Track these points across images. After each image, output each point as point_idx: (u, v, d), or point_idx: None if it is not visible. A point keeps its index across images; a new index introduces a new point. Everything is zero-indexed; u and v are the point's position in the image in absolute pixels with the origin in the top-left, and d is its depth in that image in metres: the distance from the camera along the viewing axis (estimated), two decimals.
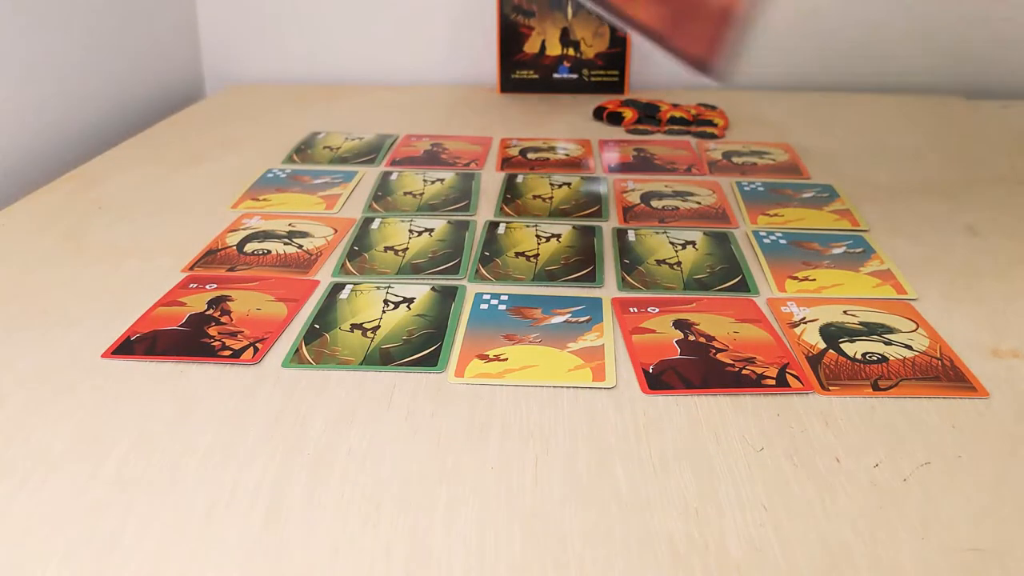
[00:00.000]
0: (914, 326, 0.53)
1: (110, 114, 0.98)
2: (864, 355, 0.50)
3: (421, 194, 0.75)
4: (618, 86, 1.11)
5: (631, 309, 0.55)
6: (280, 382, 0.48)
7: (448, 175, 0.80)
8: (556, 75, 1.11)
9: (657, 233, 0.66)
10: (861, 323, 0.53)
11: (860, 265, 0.62)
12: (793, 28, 1.13)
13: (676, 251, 0.63)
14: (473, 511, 0.38)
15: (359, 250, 0.64)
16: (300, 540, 0.36)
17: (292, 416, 0.45)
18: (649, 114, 0.98)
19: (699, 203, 0.73)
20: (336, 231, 0.67)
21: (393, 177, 0.79)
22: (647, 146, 0.89)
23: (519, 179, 0.79)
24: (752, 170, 0.82)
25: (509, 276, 0.60)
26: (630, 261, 0.62)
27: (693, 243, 0.65)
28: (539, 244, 0.65)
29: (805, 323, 0.53)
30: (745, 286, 0.58)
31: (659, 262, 0.62)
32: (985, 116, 1.01)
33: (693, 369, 0.48)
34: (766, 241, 0.65)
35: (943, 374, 0.48)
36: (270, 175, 0.80)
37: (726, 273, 0.60)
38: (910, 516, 0.38)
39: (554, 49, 1.10)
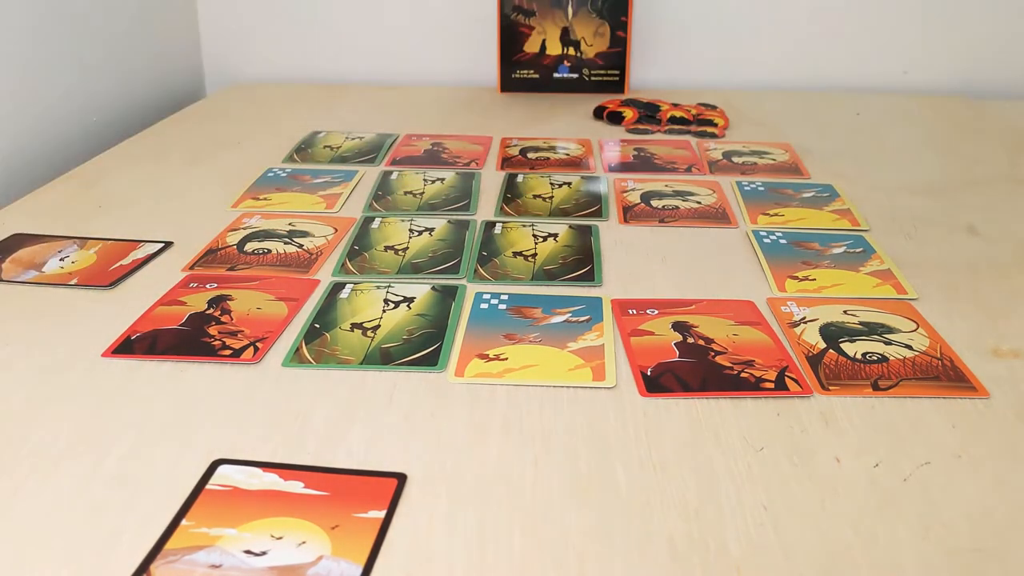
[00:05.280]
0: (914, 326, 0.53)
1: (110, 114, 0.98)
2: (864, 355, 0.50)
3: (421, 193, 0.75)
4: (618, 86, 1.11)
5: (630, 311, 0.55)
6: (280, 381, 0.48)
7: (448, 174, 0.80)
8: (556, 75, 1.11)
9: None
10: (861, 323, 0.53)
11: (860, 265, 0.62)
12: (795, 28, 1.13)
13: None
14: (473, 511, 0.38)
15: (359, 249, 0.64)
16: None
17: (292, 415, 0.45)
18: (649, 114, 0.98)
19: (699, 203, 0.73)
20: (336, 230, 0.67)
21: (393, 176, 0.79)
22: (647, 146, 0.89)
23: (519, 178, 0.79)
24: (752, 170, 0.82)
25: (507, 276, 0.60)
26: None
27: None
28: (536, 244, 0.65)
29: (805, 323, 0.53)
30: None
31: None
32: (985, 116, 1.01)
33: (691, 372, 0.48)
34: (766, 241, 0.65)
35: (943, 374, 0.48)
36: (270, 174, 0.80)
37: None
38: (910, 516, 0.38)
39: (554, 49, 1.10)
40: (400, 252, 0.63)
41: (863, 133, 0.94)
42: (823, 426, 0.44)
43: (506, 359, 0.49)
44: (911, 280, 0.59)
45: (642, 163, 0.84)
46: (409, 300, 0.56)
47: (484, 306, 0.55)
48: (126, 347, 0.51)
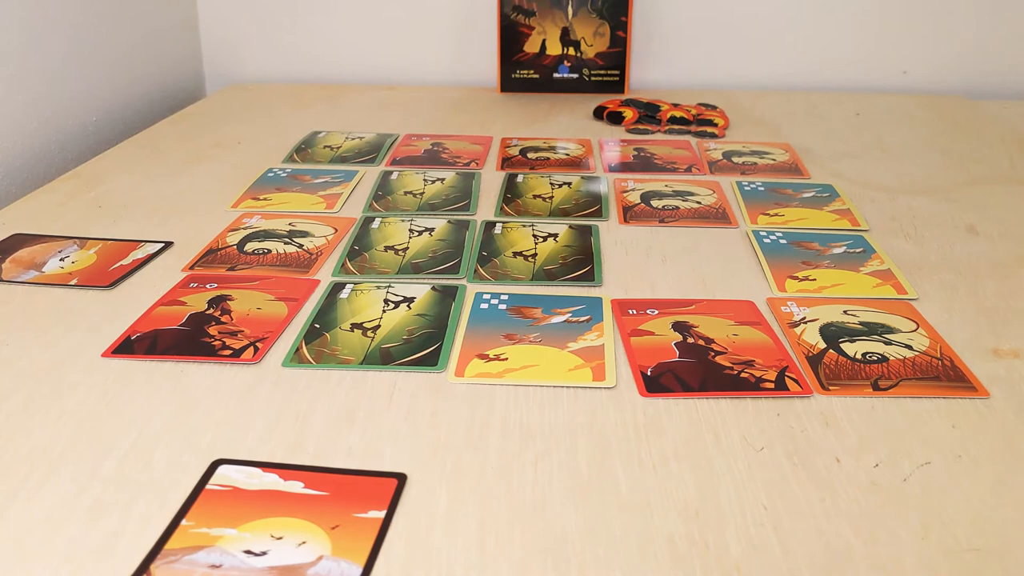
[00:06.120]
0: (914, 326, 0.53)
1: (110, 114, 0.98)
2: (864, 355, 0.50)
3: (421, 193, 0.75)
4: (618, 86, 1.11)
5: (630, 311, 0.55)
6: (280, 381, 0.48)
7: (448, 174, 0.80)
8: (556, 75, 1.11)
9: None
10: (861, 323, 0.53)
11: (860, 265, 0.62)
12: (794, 28, 1.13)
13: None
14: (473, 511, 0.38)
15: (359, 249, 0.64)
16: None
17: (292, 415, 0.45)
18: (649, 114, 0.98)
19: (699, 203, 0.73)
20: (336, 230, 0.67)
21: (393, 176, 0.79)
22: (647, 146, 0.89)
23: (519, 179, 0.79)
24: (752, 170, 0.82)
25: (507, 276, 0.60)
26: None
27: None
28: (536, 244, 0.65)
29: (805, 323, 0.53)
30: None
31: None
32: (985, 116, 1.01)
33: (691, 372, 0.48)
34: (766, 241, 0.65)
35: (943, 374, 0.48)
36: (270, 174, 0.80)
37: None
38: (910, 516, 0.38)
39: (554, 49, 1.10)
40: (400, 252, 0.63)
41: (863, 133, 0.94)
42: (823, 426, 0.44)
43: (506, 359, 0.49)
44: (911, 280, 0.59)
45: (642, 163, 0.84)
46: (409, 300, 0.56)
47: (484, 306, 0.55)
48: (126, 347, 0.51)
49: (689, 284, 0.59)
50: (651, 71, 1.16)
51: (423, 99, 1.09)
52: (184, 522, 0.37)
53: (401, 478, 0.40)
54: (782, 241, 0.65)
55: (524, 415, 0.45)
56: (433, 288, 0.58)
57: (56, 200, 0.74)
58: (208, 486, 0.39)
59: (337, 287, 0.58)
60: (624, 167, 0.83)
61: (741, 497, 0.39)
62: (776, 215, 0.71)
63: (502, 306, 0.56)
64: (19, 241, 0.65)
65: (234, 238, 0.66)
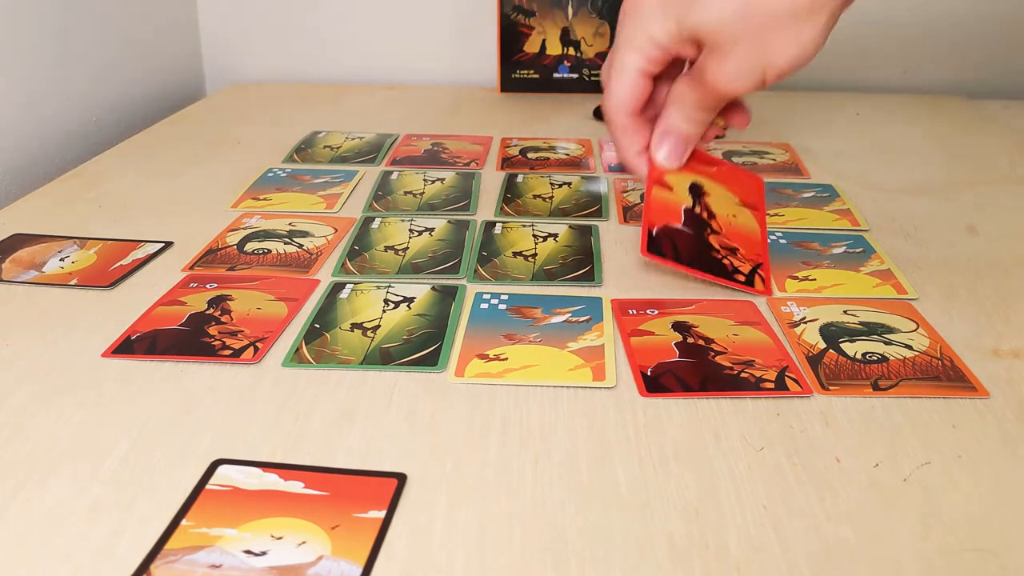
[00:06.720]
0: (914, 326, 0.53)
1: (110, 114, 0.98)
2: (864, 355, 0.50)
3: (421, 193, 0.75)
4: None
5: (630, 311, 0.55)
6: (280, 381, 0.48)
7: (448, 174, 0.80)
8: (556, 75, 1.11)
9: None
10: (861, 323, 0.53)
11: (860, 265, 0.62)
12: None
13: None
14: (473, 511, 0.38)
15: (359, 249, 0.64)
16: None
17: (292, 415, 0.45)
18: None
19: None
20: (336, 230, 0.67)
21: (393, 176, 0.79)
22: None
23: (519, 179, 0.79)
24: (752, 170, 0.82)
25: (507, 276, 0.60)
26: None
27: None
28: (536, 244, 0.65)
29: (805, 323, 0.53)
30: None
31: None
32: (985, 116, 1.01)
33: (691, 372, 0.48)
34: None
35: (943, 374, 0.48)
36: (270, 174, 0.80)
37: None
38: (910, 516, 0.38)
39: (554, 49, 1.10)
40: (400, 252, 0.63)
41: (863, 133, 0.94)
42: (823, 426, 0.44)
43: (506, 359, 0.49)
44: (911, 280, 0.59)
45: None
46: (409, 300, 0.56)
47: (484, 306, 0.55)
48: (126, 347, 0.51)
49: (689, 284, 0.59)
50: None
51: (423, 99, 1.09)
52: (184, 522, 0.37)
53: (401, 478, 0.40)
54: (782, 241, 0.65)
55: (524, 415, 0.45)
56: (433, 288, 0.58)
57: (56, 200, 0.74)
58: (208, 486, 0.39)
59: (337, 287, 0.58)
60: (624, 167, 0.83)
61: (741, 497, 0.39)
62: (776, 215, 0.71)
63: (502, 306, 0.56)
64: (19, 241, 0.65)
65: (234, 238, 0.66)
